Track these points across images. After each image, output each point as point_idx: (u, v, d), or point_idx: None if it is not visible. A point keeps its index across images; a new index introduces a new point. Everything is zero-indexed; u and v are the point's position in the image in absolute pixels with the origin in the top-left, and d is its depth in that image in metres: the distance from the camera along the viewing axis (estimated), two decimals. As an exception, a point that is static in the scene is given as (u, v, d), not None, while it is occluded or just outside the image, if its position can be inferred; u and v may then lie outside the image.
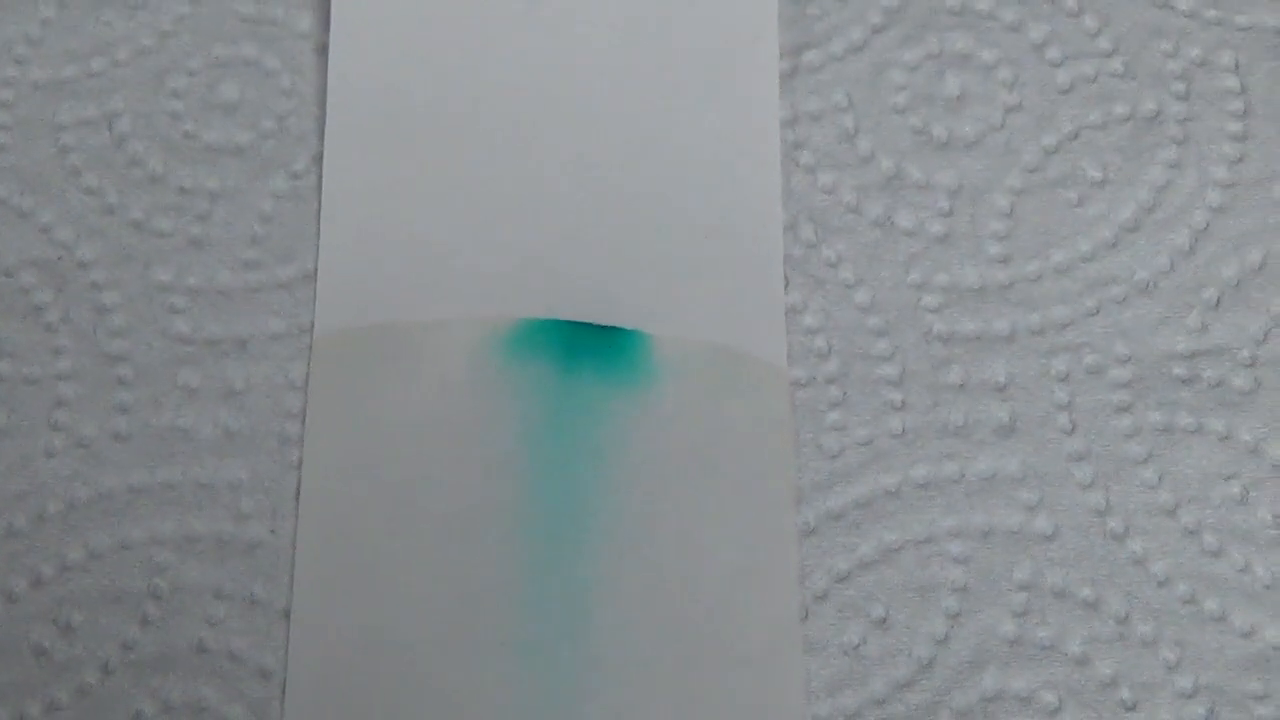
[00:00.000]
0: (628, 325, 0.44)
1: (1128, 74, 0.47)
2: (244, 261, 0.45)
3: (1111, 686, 0.41)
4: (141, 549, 0.42)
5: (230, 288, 0.45)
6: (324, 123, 0.46)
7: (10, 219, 0.45)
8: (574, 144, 0.46)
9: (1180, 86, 0.47)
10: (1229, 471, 0.43)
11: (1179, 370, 0.44)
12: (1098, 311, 0.45)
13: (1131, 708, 0.41)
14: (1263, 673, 0.41)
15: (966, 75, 0.47)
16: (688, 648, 0.41)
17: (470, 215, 0.45)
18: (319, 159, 0.46)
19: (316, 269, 0.45)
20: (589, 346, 0.44)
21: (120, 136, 0.47)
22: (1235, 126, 0.46)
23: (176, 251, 0.45)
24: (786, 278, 0.45)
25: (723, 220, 0.45)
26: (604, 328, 0.44)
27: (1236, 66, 0.47)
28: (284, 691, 0.41)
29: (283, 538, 0.42)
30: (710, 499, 0.42)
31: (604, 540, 0.42)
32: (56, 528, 0.42)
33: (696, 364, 0.44)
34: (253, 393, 0.44)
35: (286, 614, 0.42)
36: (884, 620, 0.42)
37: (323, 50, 0.47)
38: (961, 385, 0.44)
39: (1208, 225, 0.46)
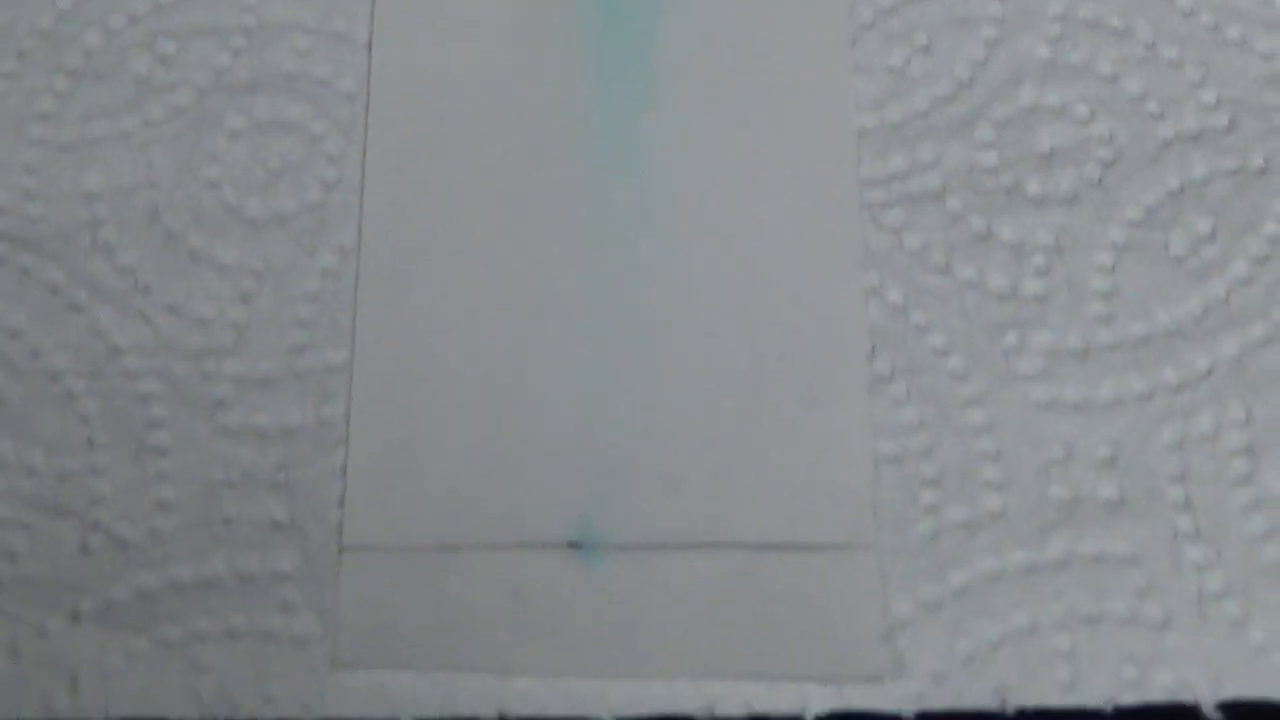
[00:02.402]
0: None
1: None
2: None
3: (1140, 100, 0.43)
4: None
5: None
6: None
7: None
8: None
9: None
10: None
11: None
12: None
13: (1159, 117, 0.42)
14: (1282, 88, 0.43)
15: None
16: (746, 72, 0.43)
17: None
18: None
19: None
20: None
21: None
22: None
23: None
24: None
25: None
26: None
27: None
28: (367, 109, 0.42)
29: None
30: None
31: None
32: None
33: None
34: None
35: (368, 45, 0.43)
36: (927, 46, 0.43)
37: None
38: None
39: None
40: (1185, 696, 0.38)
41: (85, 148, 0.42)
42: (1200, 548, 0.39)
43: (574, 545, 0.39)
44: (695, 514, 0.39)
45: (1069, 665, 0.38)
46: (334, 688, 0.38)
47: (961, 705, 0.38)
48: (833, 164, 0.42)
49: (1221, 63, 0.43)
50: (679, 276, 0.41)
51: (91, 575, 0.39)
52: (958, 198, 0.42)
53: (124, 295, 0.41)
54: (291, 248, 0.41)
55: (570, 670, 0.38)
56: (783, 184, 0.41)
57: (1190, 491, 0.39)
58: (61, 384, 0.40)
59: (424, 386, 0.40)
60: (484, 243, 0.41)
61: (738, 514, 0.39)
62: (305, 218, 0.42)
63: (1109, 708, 0.38)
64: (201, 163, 0.42)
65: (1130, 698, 0.38)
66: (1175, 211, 0.41)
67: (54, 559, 0.39)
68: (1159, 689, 0.38)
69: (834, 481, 0.39)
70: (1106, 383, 0.40)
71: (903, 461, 0.39)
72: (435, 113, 0.42)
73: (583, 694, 0.38)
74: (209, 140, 0.42)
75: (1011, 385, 0.40)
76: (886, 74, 0.43)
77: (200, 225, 0.42)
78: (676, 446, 0.39)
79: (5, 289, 0.41)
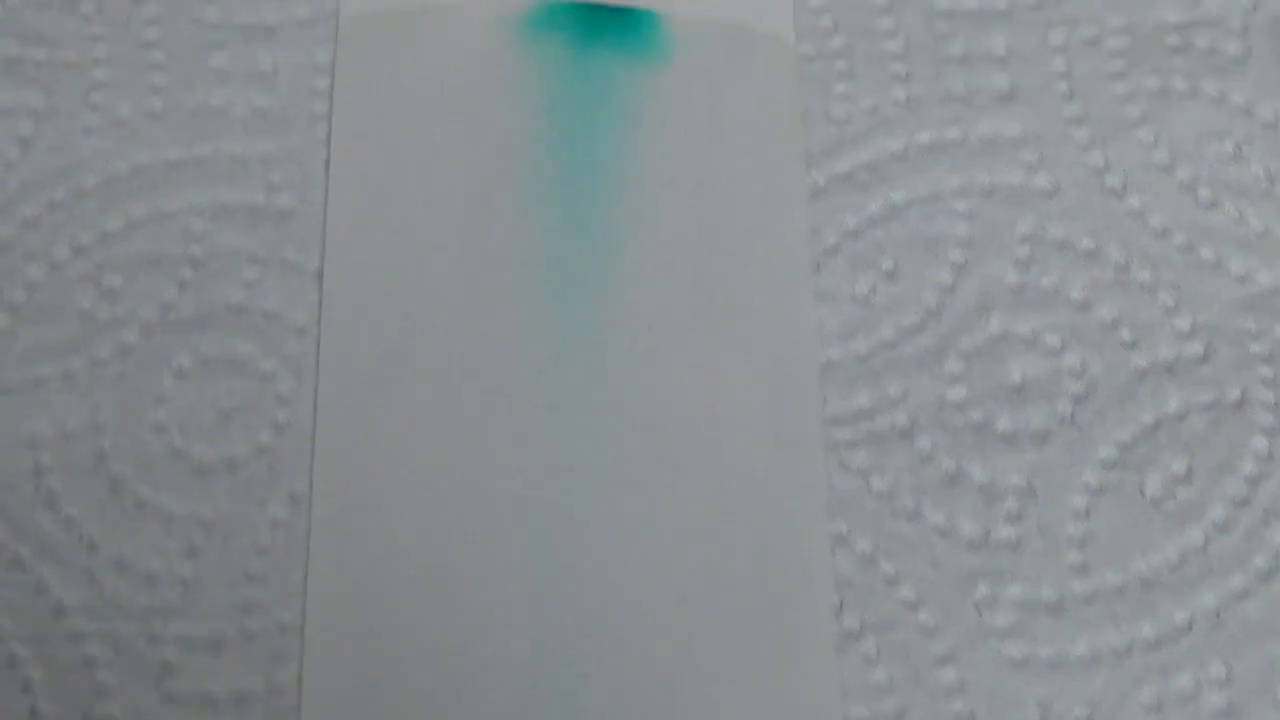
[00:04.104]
0: (642, 5, 0.42)
1: None
2: (270, -45, 0.43)
3: (1112, 328, 0.39)
4: (177, 218, 0.40)
5: (258, -21, 0.43)
6: None
7: (44, -82, 0.43)
8: None
9: None
10: (1222, 130, 0.41)
11: (1172, 39, 0.42)
12: (1093, -13, 0.43)
13: (1131, 346, 0.39)
14: (1257, 313, 0.39)
15: None
16: (706, 300, 0.39)
17: (487, -94, 0.43)
18: None
19: (340, -42, 0.43)
20: (605, 26, 0.42)
21: None
22: None
23: (205, -53, 0.43)
24: (793, -39, 0.43)
25: (731, -92, 0.43)
26: (619, 8, 0.42)
27: None
28: (318, 346, 0.39)
29: (313, 206, 0.41)
30: (725, 164, 0.41)
31: (624, 204, 0.40)
32: (96, 200, 0.41)
33: (709, 40, 0.42)
34: (281, 74, 0.42)
35: (318, 275, 0.40)
36: (893, 272, 0.40)
37: None
38: (963, 57, 0.42)
39: (1199, -93, 0.44)
40: None
41: (28, 390, 0.39)
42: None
43: (534, 820, 0.36)
44: (659, 783, 0.36)
45: None
46: None
47: None
48: (796, 401, 0.38)
49: (1195, 286, 0.40)
50: (637, 525, 0.37)
51: None
52: (926, 436, 0.38)
53: (69, 550, 0.38)
54: (241, 496, 0.38)
55: None
56: (744, 424, 0.38)
57: (1170, 755, 0.36)
58: (4, 648, 0.37)
59: (379, 650, 0.37)
60: (440, 493, 0.38)
61: (703, 782, 0.36)
62: (255, 463, 0.38)
63: None
64: (147, 405, 0.39)
65: None
66: (1151, 450, 0.38)
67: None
68: None
69: (802, 746, 0.36)
70: (1082, 638, 0.37)
71: (873, 725, 0.36)
72: (389, 347, 0.39)
73: None
74: (155, 381, 0.39)
75: (984, 642, 0.37)
76: (852, 303, 0.40)
77: (147, 473, 0.38)
78: (641, 707, 0.36)
79: (-55, 548, 0.38)
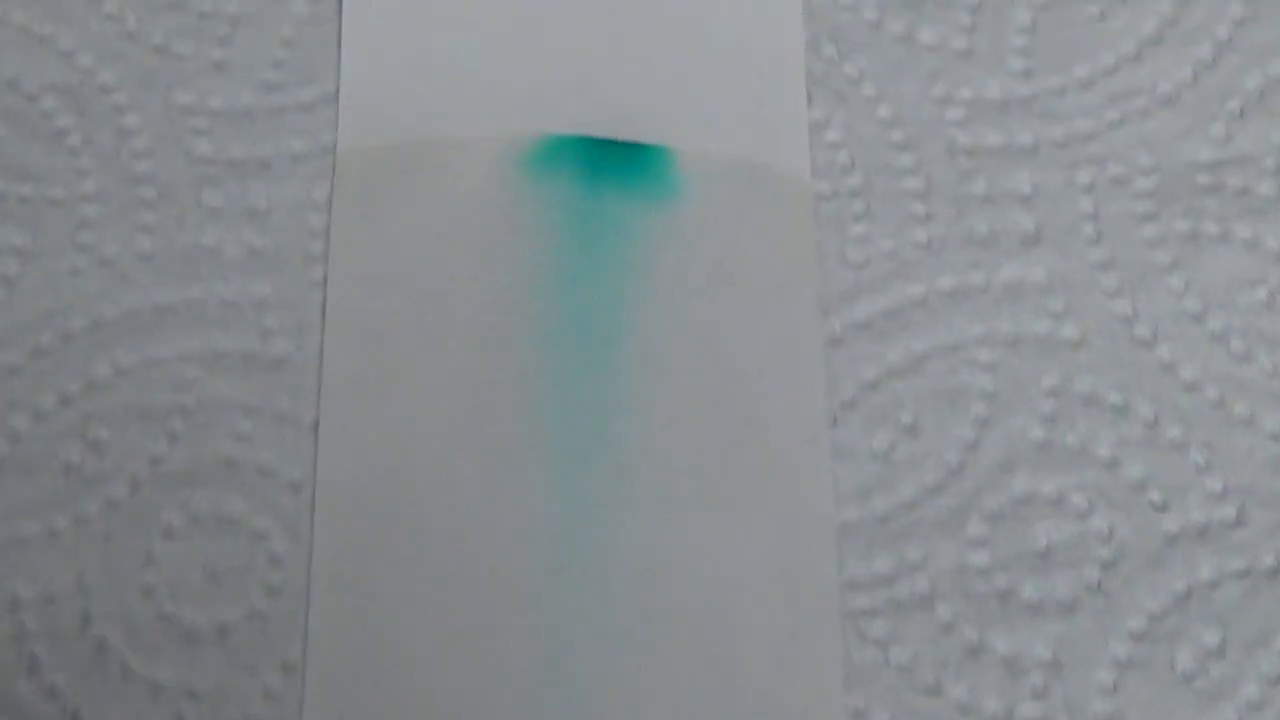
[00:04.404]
0: (652, 141, 0.40)
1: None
2: (266, 84, 0.42)
3: (1141, 489, 0.38)
4: (168, 366, 0.39)
5: (252, 109, 0.41)
6: (344, -52, 0.43)
7: (32, 45, 0.42)
8: (594, -36, 0.42)
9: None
10: (1255, 277, 0.40)
11: (1203, 179, 0.41)
12: (1121, 123, 0.41)
13: (1162, 509, 0.38)
14: (1293, 474, 0.38)
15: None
16: (717, 455, 0.38)
17: (492, 32, 0.42)
18: (340, -17, 0.43)
19: (338, 88, 0.41)
20: (613, 162, 0.40)
21: (141, -37, 0.43)
22: (1256, -61, 0.43)
23: (198, 75, 0.42)
24: (809, 94, 0.41)
25: (746, 36, 0.42)
26: (628, 144, 0.40)
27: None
28: (313, 504, 0.38)
29: (309, 353, 0.39)
30: (737, 309, 0.39)
31: (632, 351, 0.38)
32: (83, 346, 0.39)
33: (721, 178, 0.40)
34: (276, 212, 0.40)
35: (314, 428, 0.38)
36: (913, 426, 0.38)
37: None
38: (986, 197, 0.40)
39: (1230, 37, 0.42)
40: None
41: (10, 549, 0.37)
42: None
43: None
44: None
45: None
46: None
47: None
48: (811, 565, 0.37)
49: (1228, 444, 0.38)
50: (644, 696, 0.36)
51: None
52: (948, 604, 0.37)
53: (51, 721, 0.36)
54: (231, 664, 0.37)
55: None
56: (756, 589, 0.37)
57: None
58: (-17, 828, 0.35)
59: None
60: (440, 663, 0.36)
61: None
62: (246, 629, 0.37)
63: None
64: (135, 566, 0.37)
65: None
66: (1181, 621, 0.37)
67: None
68: None
69: None
70: (1111, 826, 0.35)
71: None
72: (387, 505, 0.37)
73: None
74: (143, 540, 0.37)
75: (1008, 827, 0.35)
76: (870, 460, 0.38)
77: (134, 638, 0.37)
78: None
79: (-78, 720, 0.36)
